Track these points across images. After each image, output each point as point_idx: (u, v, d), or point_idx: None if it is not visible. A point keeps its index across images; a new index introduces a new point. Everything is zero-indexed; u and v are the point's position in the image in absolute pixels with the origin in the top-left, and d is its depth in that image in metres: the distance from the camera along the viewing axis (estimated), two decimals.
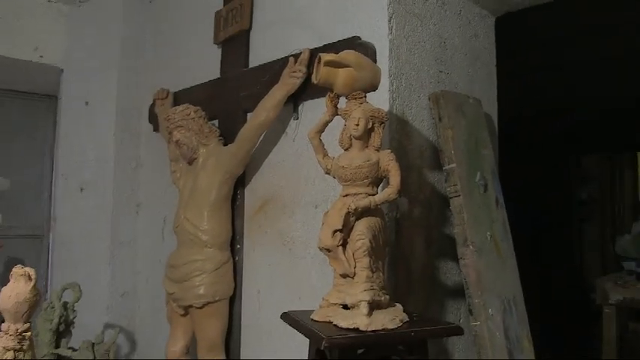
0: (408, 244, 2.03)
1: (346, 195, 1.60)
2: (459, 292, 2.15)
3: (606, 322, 3.63)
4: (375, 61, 1.95)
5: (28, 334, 1.24)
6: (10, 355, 1.19)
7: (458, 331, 1.59)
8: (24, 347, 1.22)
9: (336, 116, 1.67)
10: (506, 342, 2.04)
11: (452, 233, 2.11)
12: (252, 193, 2.51)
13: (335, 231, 1.52)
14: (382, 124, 1.63)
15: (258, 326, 2.42)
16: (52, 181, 3.67)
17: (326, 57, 1.58)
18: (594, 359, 4.09)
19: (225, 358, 2.44)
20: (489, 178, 2.20)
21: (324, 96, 1.74)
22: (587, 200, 6.38)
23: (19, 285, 1.22)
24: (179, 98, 2.89)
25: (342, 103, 1.67)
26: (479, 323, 1.96)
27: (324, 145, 1.68)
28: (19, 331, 1.21)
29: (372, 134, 1.62)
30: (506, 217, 2.28)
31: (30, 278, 1.24)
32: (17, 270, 1.24)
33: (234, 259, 2.46)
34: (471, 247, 1.99)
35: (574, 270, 6.07)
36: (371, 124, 1.61)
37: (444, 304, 2.17)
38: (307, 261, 2.19)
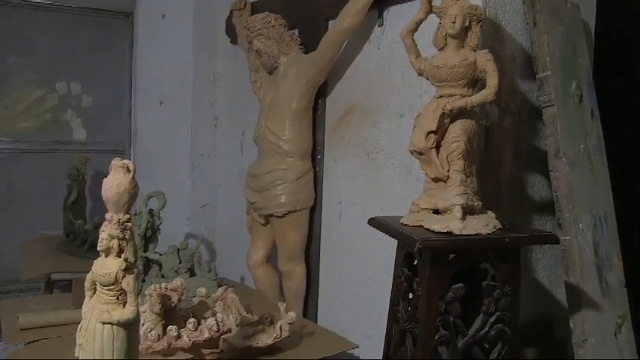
0: (497, 154, 1.97)
1: (440, 97, 1.54)
2: (546, 207, 2.09)
3: None
4: None
5: (129, 224, 1.27)
6: (114, 242, 1.24)
7: (554, 239, 1.54)
8: (126, 237, 1.26)
9: (430, 14, 1.59)
10: (595, 259, 1.97)
11: (542, 145, 2.03)
12: (333, 103, 2.47)
13: (429, 133, 1.48)
14: (479, 23, 1.55)
15: (339, 236, 2.44)
16: (131, 97, 3.75)
17: None
18: None
19: (305, 267, 2.49)
20: (585, 89, 2.08)
21: (409, 0, 1.65)
22: None
23: (119, 176, 1.24)
24: (257, 8, 2.82)
25: (436, 2, 1.59)
26: (568, 238, 1.90)
27: (416, 45, 1.61)
28: (121, 220, 1.24)
29: (469, 33, 1.55)
30: (601, 131, 2.16)
31: (128, 170, 1.25)
32: (116, 162, 1.26)
33: (315, 169, 2.46)
34: (563, 159, 1.91)
35: None
36: (468, 21, 1.53)
37: (531, 217, 2.11)
38: (391, 171, 2.16)
